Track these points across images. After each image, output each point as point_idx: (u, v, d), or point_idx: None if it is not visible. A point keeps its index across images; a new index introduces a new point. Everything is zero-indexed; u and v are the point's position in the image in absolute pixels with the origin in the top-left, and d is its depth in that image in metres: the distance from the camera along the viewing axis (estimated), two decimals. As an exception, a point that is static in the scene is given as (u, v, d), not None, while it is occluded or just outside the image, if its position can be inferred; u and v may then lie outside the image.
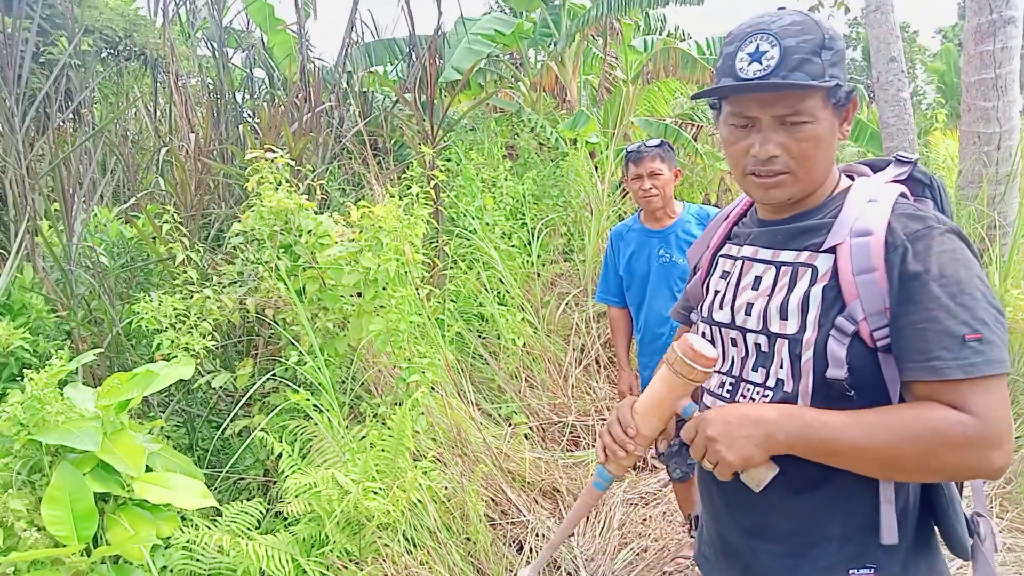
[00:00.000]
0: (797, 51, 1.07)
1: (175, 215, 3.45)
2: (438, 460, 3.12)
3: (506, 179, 5.80)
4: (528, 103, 7.66)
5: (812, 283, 1.12)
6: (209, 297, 3.19)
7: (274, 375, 3.30)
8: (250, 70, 7.00)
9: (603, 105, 8.06)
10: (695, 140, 8.07)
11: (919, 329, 1.00)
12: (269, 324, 3.42)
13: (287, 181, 3.54)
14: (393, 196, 3.41)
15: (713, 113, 1.24)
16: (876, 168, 1.25)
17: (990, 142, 4.65)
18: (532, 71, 8.08)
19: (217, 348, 3.47)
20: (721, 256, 1.34)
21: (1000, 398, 0.98)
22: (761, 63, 1.09)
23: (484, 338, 4.74)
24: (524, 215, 5.78)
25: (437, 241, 4.68)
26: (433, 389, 3.38)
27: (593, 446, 4.17)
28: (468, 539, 2.95)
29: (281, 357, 3.36)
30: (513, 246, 5.27)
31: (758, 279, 1.21)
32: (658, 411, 1.18)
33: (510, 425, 4.09)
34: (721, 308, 1.27)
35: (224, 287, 3.44)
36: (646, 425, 1.19)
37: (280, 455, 2.80)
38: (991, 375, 0.98)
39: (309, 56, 6.59)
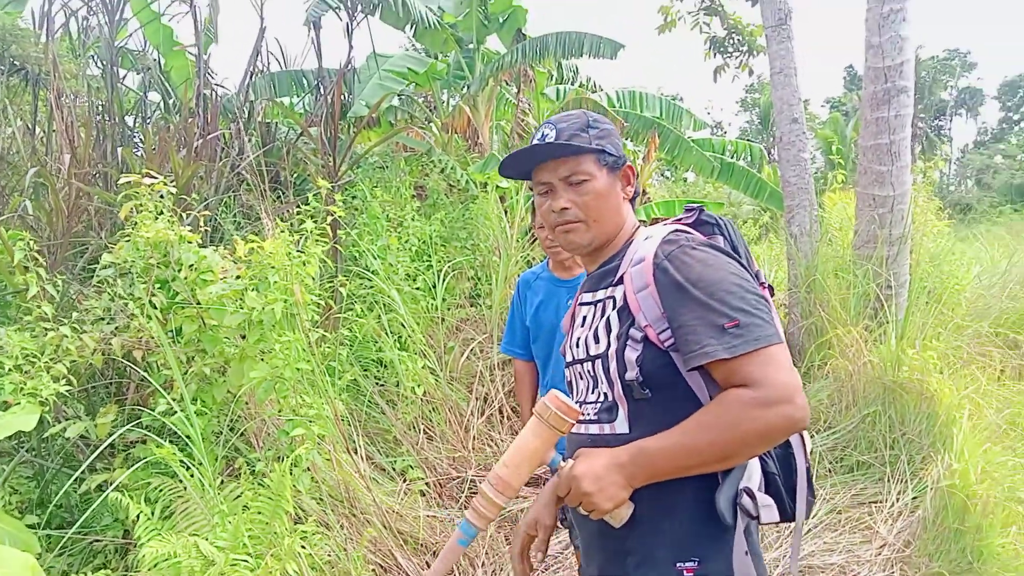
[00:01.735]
0: (568, 129, 1.42)
1: (31, 242, 3.07)
2: (321, 523, 2.84)
3: (413, 219, 5.61)
4: (439, 144, 7.54)
5: (613, 308, 1.38)
6: (67, 336, 2.83)
7: (140, 423, 2.95)
8: (144, 92, 6.59)
9: (515, 150, 8.04)
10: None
11: (690, 326, 1.22)
12: (143, 366, 3.08)
13: (169, 210, 3.24)
14: (283, 231, 3.15)
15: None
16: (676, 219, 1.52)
17: (884, 204, 4.82)
18: (444, 112, 7.99)
19: (76, 392, 3.09)
20: (578, 306, 1.58)
21: (774, 364, 1.17)
22: (544, 141, 1.42)
23: (382, 385, 4.48)
24: (431, 257, 5.59)
25: (334, 281, 4.42)
26: (321, 442, 3.11)
27: (493, 502, 3.95)
28: (351, 612, 2.68)
29: (152, 404, 3.02)
30: (418, 288, 5.06)
31: (584, 318, 1.48)
32: (530, 463, 1.28)
33: (405, 480, 3.83)
34: (568, 351, 1.52)
35: (90, 324, 3.08)
36: (517, 477, 1.27)
37: (138, 517, 2.46)
38: (756, 349, 1.17)
39: (208, 81, 6.28)
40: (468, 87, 7.74)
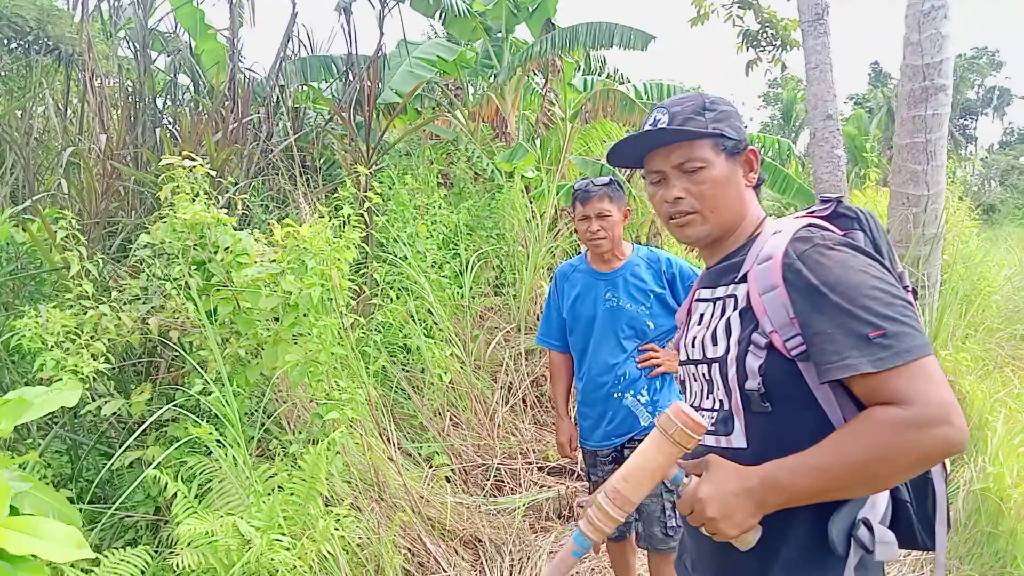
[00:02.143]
0: (682, 113, 1.32)
1: (73, 221, 3.10)
2: (353, 506, 2.86)
3: (440, 207, 5.61)
4: (466, 132, 7.54)
5: (734, 309, 1.27)
6: (105, 314, 2.86)
7: (175, 404, 2.98)
8: (174, 75, 6.62)
9: (541, 140, 8.02)
10: (628, 182, 8.11)
11: (828, 335, 1.10)
12: (173, 347, 3.11)
13: (205, 193, 3.26)
14: (323, 216, 3.17)
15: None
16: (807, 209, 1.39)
17: (918, 204, 4.76)
18: (471, 101, 7.97)
19: (112, 370, 3.13)
20: (695, 302, 1.48)
21: (927, 379, 1.04)
22: (655, 126, 1.33)
23: (408, 371, 4.51)
24: (457, 245, 5.60)
25: (366, 267, 4.43)
26: (352, 427, 3.13)
27: (517, 491, 3.97)
28: (381, 595, 2.70)
29: (184, 384, 3.05)
30: (444, 276, 5.07)
31: (702, 316, 1.38)
32: (652, 479, 1.19)
33: (431, 467, 3.86)
34: (683, 348, 1.43)
35: (125, 304, 3.11)
36: (637, 493, 1.19)
37: (174, 495, 2.49)
38: (907, 362, 1.04)
39: (239, 65, 6.30)
40: (496, 76, 7.72)
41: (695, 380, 1.37)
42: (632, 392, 2.60)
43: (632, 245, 2.72)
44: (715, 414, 1.29)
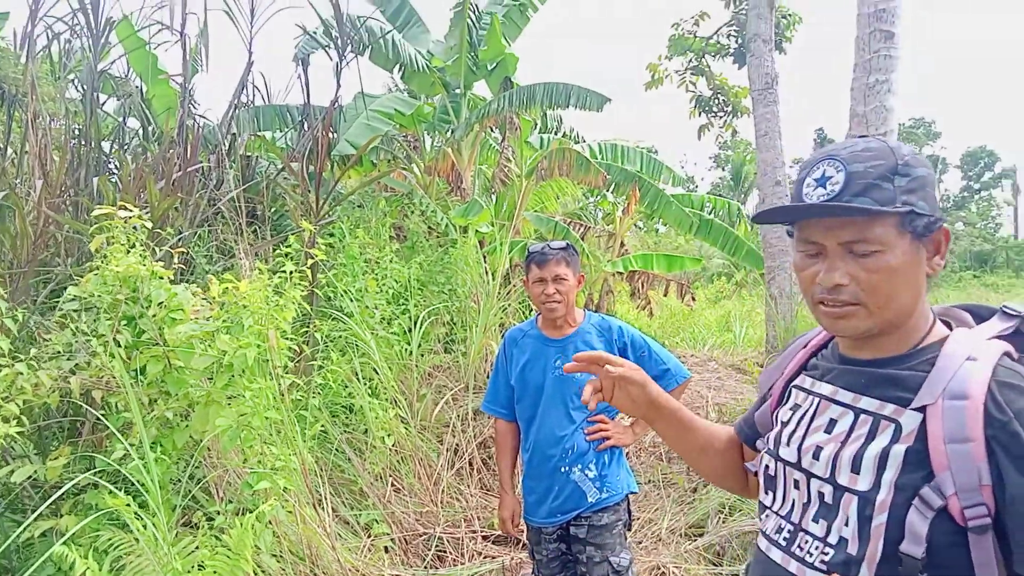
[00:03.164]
0: (864, 176, 1.02)
1: (-5, 271, 2.93)
2: (281, 583, 2.69)
3: (392, 261, 5.53)
4: (421, 185, 7.51)
5: (894, 440, 1.01)
6: (21, 373, 2.68)
7: (94, 471, 2.78)
8: (123, 119, 6.48)
9: (496, 196, 8.04)
10: (583, 240, 8.15)
11: None
12: (97, 408, 2.93)
13: (142, 244, 3.13)
14: (263, 272, 3.05)
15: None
16: (978, 316, 1.14)
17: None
18: (428, 155, 7.98)
19: (31, 431, 2.93)
20: (795, 387, 1.24)
21: None
22: (826, 188, 1.04)
23: (350, 432, 4.34)
24: (407, 300, 5.50)
25: (308, 325, 4.30)
26: (285, 496, 2.96)
27: (459, 562, 3.81)
28: None
29: (106, 447, 2.87)
30: (393, 333, 4.95)
31: (833, 422, 1.11)
32: None
33: (369, 536, 3.68)
34: (788, 445, 1.17)
35: (46, 360, 2.93)
36: None
37: (84, 573, 2.30)
38: None
39: (191, 111, 6.19)
40: (453, 131, 7.76)
41: (796, 489, 1.15)
42: (580, 466, 2.51)
43: (584, 312, 2.67)
44: (830, 550, 1.07)
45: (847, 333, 1.10)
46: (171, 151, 5.12)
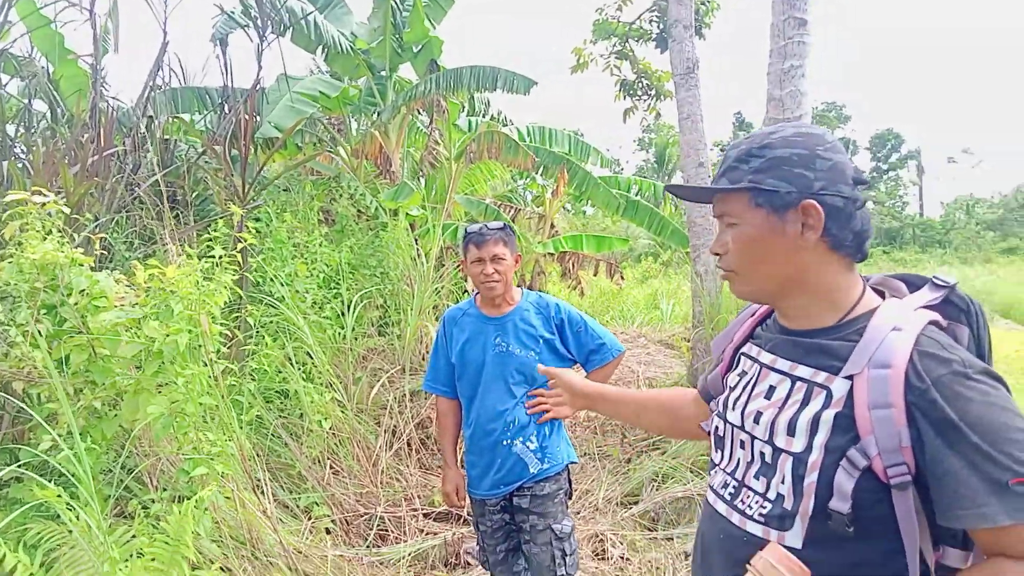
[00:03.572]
0: (730, 159, 1.18)
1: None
2: (223, 568, 2.66)
3: (321, 245, 5.45)
4: (348, 169, 7.41)
5: (825, 406, 1.10)
6: (-65, 365, 2.56)
7: (19, 463, 2.68)
8: (29, 101, 6.15)
9: (426, 179, 8.00)
10: (514, 222, 8.20)
11: (962, 477, 0.99)
12: (16, 399, 2.81)
13: (59, 231, 3.01)
14: (191, 257, 2.98)
15: None
16: (912, 285, 1.22)
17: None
18: (354, 138, 7.87)
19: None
20: (742, 354, 1.34)
21: None
22: (717, 170, 1.21)
23: (285, 418, 4.29)
24: (339, 285, 5.44)
25: (239, 310, 4.22)
26: (223, 481, 2.92)
27: (402, 540, 3.83)
28: (253, 664, 2.51)
29: (30, 440, 2.77)
30: (325, 317, 4.90)
31: (772, 388, 1.20)
32: None
33: (310, 519, 3.66)
34: (734, 409, 1.27)
35: (-40, 352, 2.80)
36: None
37: (14, 568, 2.22)
38: None
39: (103, 94, 5.93)
40: (379, 114, 7.66)
41: (742, 449, 1.24)
42: (521, 439, 2.57)
43: (521, 291, 2.72)
44: (768, 504, 1.16)
45: (741, 297, 1.23)
46: (84, 135, 4.90)
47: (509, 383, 2.57)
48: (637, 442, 5.29)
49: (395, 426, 4.78)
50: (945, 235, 35.25)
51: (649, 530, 3.96)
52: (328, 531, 3.64)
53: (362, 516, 3.93)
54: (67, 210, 3.06)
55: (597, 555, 3.75)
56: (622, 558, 3.70)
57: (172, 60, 7.87)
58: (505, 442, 2.57)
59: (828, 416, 1.09)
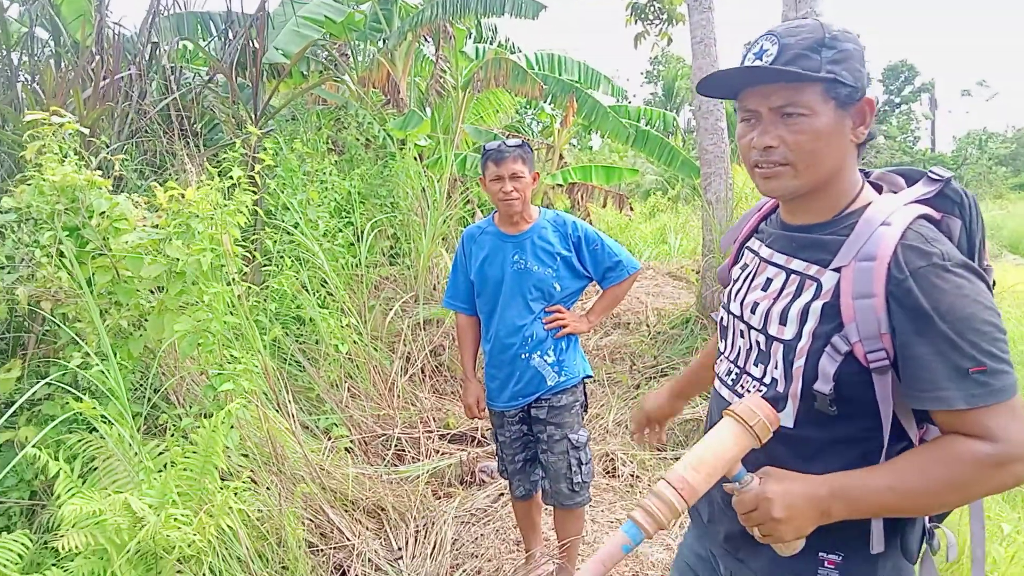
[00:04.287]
0: (795, 47, 1.12)
1: (-78, 181, 2.79)
2: (251, 480, 2.76)
3: (331, 174, 5.44)
4: (355, 97, 7.32)
5: (815, 297, 1.17)
6: (-35, 284, 2.60)
7: (49, 381, 2.75)
8: (31, 27, 6.04)
9: (433, 108, 7.91)
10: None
11: (924, 362, 1.06)
12: (43, 320, 2.87)
13: (76, 153, 3.02)
14: (212, 178, 3.00)
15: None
16: (909, 180, 1.26)
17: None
18: (360, 66, 7.74)
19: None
20: (746, 248, 1.41)
21: (1013, 417, 1.04)
22: (761, 59, 1.15)
23: (302, 343, 4.37)
24: (350, 213, 5.45)
25: (257, 233, 4.24)
26: (247, 399, 3.00)
27: (418, 459, 3.95)
28: (285, 568, 2.63)
29: (59, 358, 2.83)
30: (338, 245, 4.93)
31: (769, 281, 1.27)
32: (724, 469, 1.12)
33: (330, 439, 3.77)
34: (735, 300, 1.35)
35: (-12, 272, 2.84)
36: (705, 483, 1.11)
37: (54, 475, 2.32)
38: (1000, 402, 1.04)
39: (106, 20, 5.82)
40: (385, 40, 7.52)
41: (742, 338, 1.31)
42: (539, 353, 2.63)
43: (539, 209, 2.73)
44: (764, 388, 1.24)
45: (778, 193, 1.22)
46: (91, 62, 4.84)
47: (527, 299, 2.62)
48: (646, 368, 5.39)
49: (409, 353, 4.87)
50: (956, 170, 34.88)
51: (659, 450, 4.07)
52: (348, 451, 3.75)
53: (379, 437, 4.05)
54: (85, 131, 3.05)
55: (608, 472, 3.88)
56: (632, 475, 3.82)
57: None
58: (523, 356, 2.63)
59: (817, 306, 1.16)
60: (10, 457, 2.66)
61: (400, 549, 3.05)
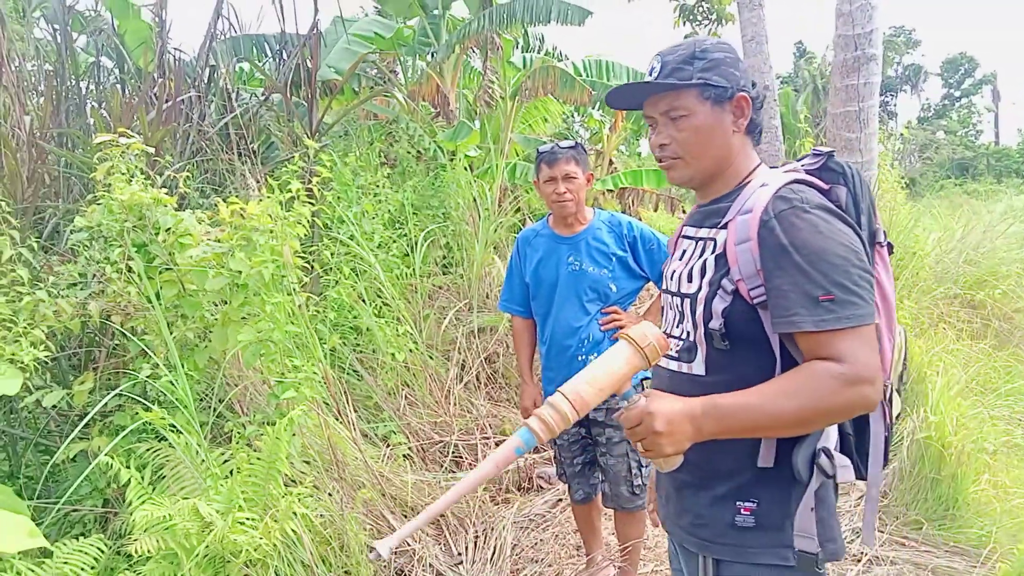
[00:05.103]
0: (672, 62, 1.37)
1: (2, 204, 2.94)
2: (314, 486, 2.81)
3: (384, 186, 5.53)
4: (406, 111, 7.43)
5: (712, 252, 1.36)
6: (43, 300, 2.73)
7: (120, 392, 2.86)
8: (98, 55, 6.32)
9: (481, 119, 7.97)
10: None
11: (783, 291, 1.21)
12: (113, 334, 2.98)
13: (142, 173, 3.13)
14: (272, 191, 3.08)
15: None
16: (803, 159, 1.45)
17: (852, 170, 4.90)
18: (410, 79, 7.86)
19: (48, 361, 2.99)
20: (680, 238, 1.56)
21: (862, 343, 1.17)
22: (651, 75, 1.39)
23: (360, 352, 4.44)
24: (403, 224, 5.52)
25: (315, 245, 4.34)
26: (308, 406, 3.06)
27: (475, 466, 3.96)
28: (347, 572, 2.67)
29: (129, 371, 2.94)
30: (392, 256, 5.00)
31: (684, 251, 1.47)
32: (613, 387, 1.25)
33: (388, 446, 3.82)
34: (664, 278, 1.54)
35: (62, 290, 2.97)
36: (596, 397, 1.24)
37: (126, 483, 2.40)
38: (847, 328, 1.17)
39: (167, 47, 6.04)
40: (433, 54, 7.62)
41: (671, 309, 1.48)
42: (596, 354, 2.62)
43: (593, 210, 2.73)
44: (681, 342, 1.41)
45: (677, 182, 1.43)
46: (153, 87, 5.03)
47: (583, 300, 2.61)
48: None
49: (464, 360, 4.89)
50: (1023, 164, 33.50)
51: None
52: (406, 457, 3.79)
53: (437, 444, 4.08)
54: (151, 150, 3.17)
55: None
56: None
57: (228, 9, 7.96)
58: (580, 357, 2.62)
59: (711, 259, 1.35)
60: (84, 467, 2.76)
61: (460, 554, 3.06)
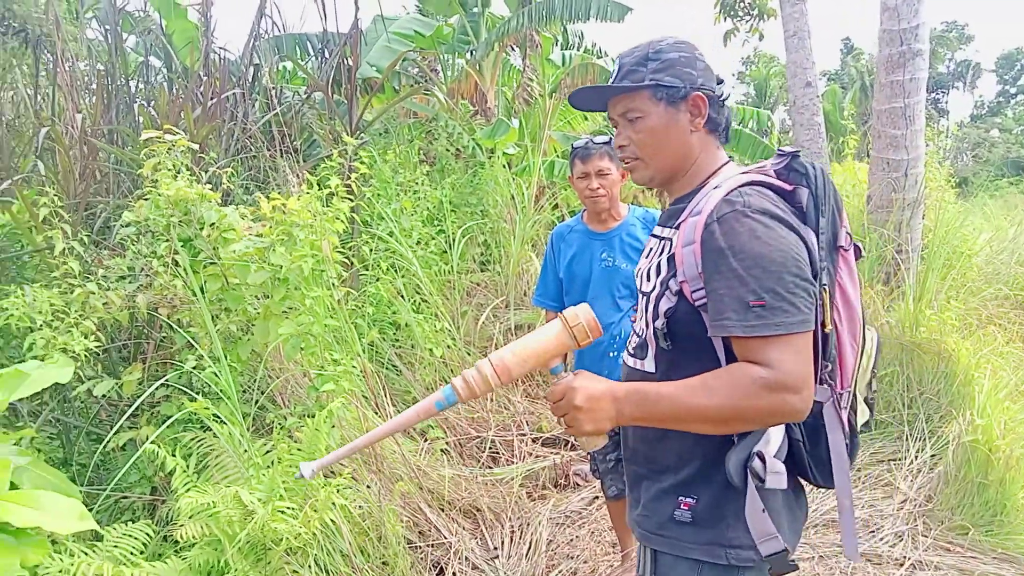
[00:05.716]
0: (628, 65, 1.40)
1: (55, 199, 3.04)
2: (352, 478, 2.85)
3: (423, 184, 5.57)
4: (445, 109, 7.47)
5: (667, 253, 1.36)
6: (93, 292, 2.81)
7: (166, 382, 2.93)
8: (146, 55, 6.49)
9: (520, 116, 7.98)
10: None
11: (719, 295, 1.21)
12: (160, 326, 3.06)
13: (187, 169, 3.21)
14: (312, 187, 3.13)
15: None
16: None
17: (898, 168, 4.80)
18: (449, 77, 7.90)
19: (99, 352, 3.08)
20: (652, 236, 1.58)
21: (792, 352, 1.16)
22: (612, 77, 1.43)
23: (398, 347, 4.48)
24: (442, 221, 5.56)
25: (354, 241, 4.39)
26: (347, 399, 3.11)
27: (512, 462, 3.98)
28: (385, 563, 2.70)
29: (175, 362, 3.01)
30: (431, 252, 5.04)
31: (651, 249, 1.48)
32: (537, 360, 1.30)
33: (426, 440, 3.85)
34: (635, 275, 1.54)
35: (111, 283, 3.06)
36: (519, 368, 1.30)
37: (172, 471, 2.47)
38: (776, 335, 1.16)
39: (212, 45, 6.17)
40: (473, 52, 7.65)
41: (639, 306, 1.49)
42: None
43: (628, 206, 2.72)
44: (636, 339, 1.46)
45: (640, 182, 1.45)
46: (199, 86, 5.14)
47: (615, 297, 2.60)
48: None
49: (501, 357, 4.90)
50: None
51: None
52: (443, 452, 3.82)
53: (474, 439, 4.10)
54: (195, 147, 3.24)
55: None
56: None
57: (271, 8, 8.10)
58: (612, 354, 2.61)
59: (664, 260, 1.36)
60: (132, 455, 2.84)
61: (496, 549, 3.07)
